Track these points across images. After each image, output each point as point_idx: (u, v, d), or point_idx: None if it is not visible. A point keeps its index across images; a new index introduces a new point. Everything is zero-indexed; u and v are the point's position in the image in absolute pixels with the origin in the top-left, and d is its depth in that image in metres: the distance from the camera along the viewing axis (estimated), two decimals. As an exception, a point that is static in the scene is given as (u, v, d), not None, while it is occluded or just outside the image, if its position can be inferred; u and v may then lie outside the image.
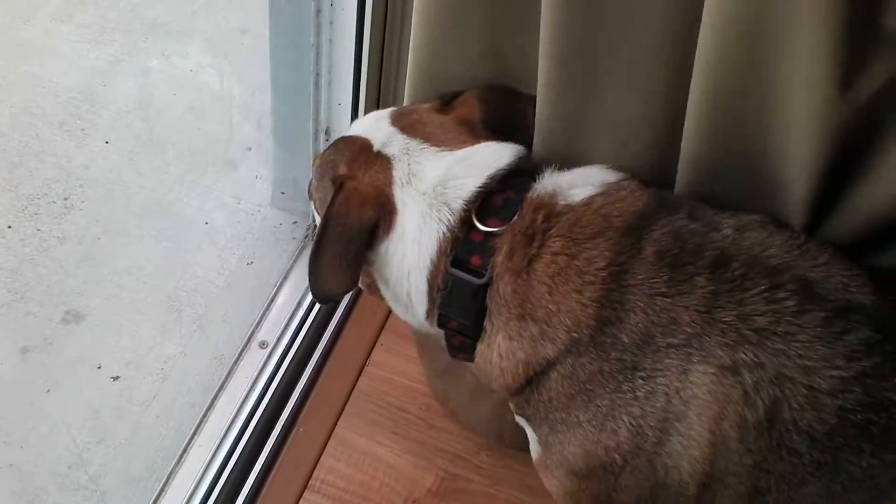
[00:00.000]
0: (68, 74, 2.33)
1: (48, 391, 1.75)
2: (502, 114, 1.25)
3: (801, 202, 1.11)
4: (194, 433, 1.67)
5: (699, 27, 1.03)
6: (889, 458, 0.98)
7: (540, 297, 1.07)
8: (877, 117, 1.03)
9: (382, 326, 1.82)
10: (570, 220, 1.08)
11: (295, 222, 2.04)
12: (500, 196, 1.13)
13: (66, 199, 2.06)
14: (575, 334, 1.05)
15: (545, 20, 1.13)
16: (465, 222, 1.12)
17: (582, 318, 1.04)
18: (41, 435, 1.70)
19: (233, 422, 1.67)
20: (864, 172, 1.09)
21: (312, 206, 1.34)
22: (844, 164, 1.08)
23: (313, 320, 1.81)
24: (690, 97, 1.10)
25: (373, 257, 1.19)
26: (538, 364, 1.08)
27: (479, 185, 1.12)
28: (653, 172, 1.21)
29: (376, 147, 1.20)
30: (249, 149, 2.22)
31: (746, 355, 0.98)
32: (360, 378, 1.76)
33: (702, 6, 1.01)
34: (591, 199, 1.11)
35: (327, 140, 1.78)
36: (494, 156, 1.16)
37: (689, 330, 1.00)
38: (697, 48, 1.04)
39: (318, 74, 1.68)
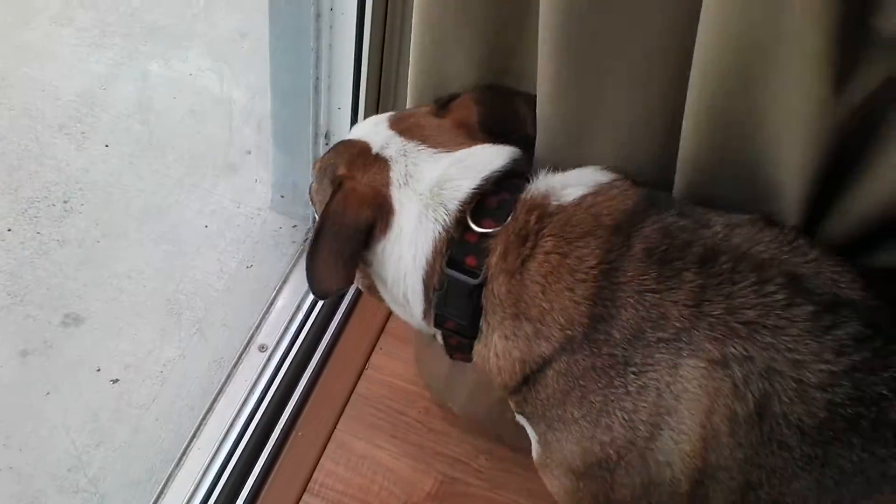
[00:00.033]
0: (68, 78, 2.33)
1: (47, 394, 1.75)
2: (499, 115, 1.27)
3: (796, 202, 1.12)
4: (193, 436, 1.67)
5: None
6: (880, 452, 0.98)
7: (533, 296, 1.09)
8: (871, 119, 1.03)
9: (381, 330, 1.83)
10: (562, 220, 1.10)
11: (294, 226, 2.04)
12: (494, 198, 1.14)
13: (65, 202, 2.06)
14: (569, 332, 1.06)
15: (544, 20, 1.13)
16: (460, 223, 1.14)
17: (575, 315, 1.06)
18: (40, 437, 1.70)
19: (232, 425, 1.67)
20: (859, 173, 1.10)
21: (313, 209, 1.35)
22: (839, 164, 1.09)
23: (313, 324, 1.81)
24: (688, 98, 1.10)
25: (370, 258, 1.21)
26: (534, 362, 1.09)
27: (473, 186, 1.14)
28: (653, 174, 1.22)
29: (375, 150, 1.22)
30: (249, 152, 2.22)
31: (736, 349, 0.99)
32: (360, 381, 1.76)
33: (700, 6, 1.01)
34: (583, 198, 1.12)
35: (327, 144, 1.79)
36: (489, 158, 1.17)
37: (677, 324, 1.01)
38: (695, 49, 1.05)
39: (317, 78, 1.69)
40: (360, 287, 1.33)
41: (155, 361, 1.81)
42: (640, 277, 1.04)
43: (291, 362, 1.76)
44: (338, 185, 1.19)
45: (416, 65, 1.38)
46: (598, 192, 1.13)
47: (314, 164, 1.34)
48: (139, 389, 1.77)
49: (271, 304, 1.86)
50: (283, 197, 2.03)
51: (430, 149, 1.20)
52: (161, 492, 1.61)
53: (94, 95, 2.29)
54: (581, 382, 1.06)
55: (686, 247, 1.05)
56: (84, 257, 1.96)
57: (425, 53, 1.35)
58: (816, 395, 0.97)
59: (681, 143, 1.16)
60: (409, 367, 1.78)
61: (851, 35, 0.94)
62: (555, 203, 1.12)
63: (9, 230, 1.99)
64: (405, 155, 1.20)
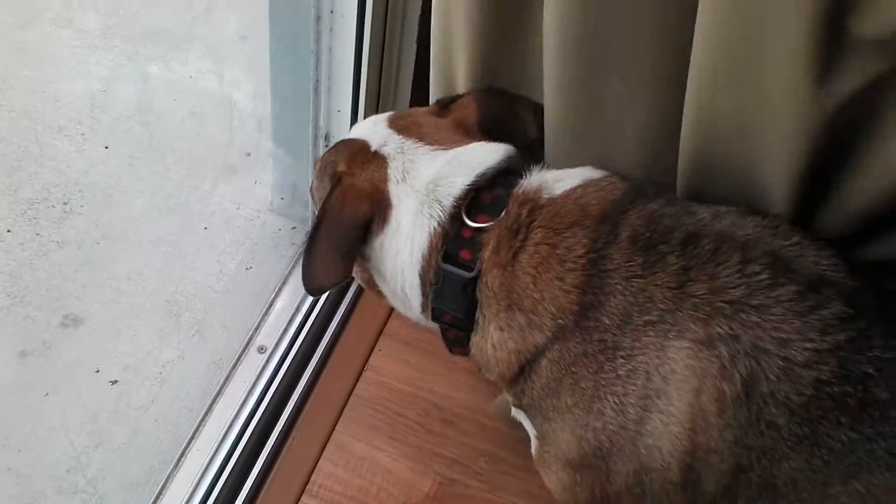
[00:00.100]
0: (68, 79, 2.34)
1: (46, 395, 1.75)
2: (498, 117, 1.29)
3: (785, 198, 1.13)
4: (192, 437, 1.66)
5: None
6: (867, 431, 0.98)
7: (525, 287, 1.11)
8: (859, 116, 1.05)
9: (381, 332, 1.83)
10: (551, 212, 1.12)
11: (294, 227, 2.04)
12: (489, 193, 1.17)
13: (65, 203, 2.06)
14: (560, 321, 1.08)
15: (548, 21, 1.16)
16: (455, 219, 1.16)
17: (565, 304, 1.08)
18: (39, 438, 1.70)
19: (231, 426, 1.67)
20: (849, 169, 1.12)
21: (313, 207, 1.36)
22: (830, 161, 1.10)
23: (312, 325, 1.81)
24: (686, 98, 1.13)
25: (368, 253, 1.23)
26: (528, 352, 1.11)
27: (468, 182, 1.17)
28: (658, 175, 1.25)
29: (374, 147, 1.24)
30: (249, 154, 2.22)
31: (721, 328, 1.00)
32: (359, 383, 1.76)
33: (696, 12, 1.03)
34: (571, 190, 1.15)
35: (326, 146, 1.79)
36: (484, 155, 1.20)
37: (662, 306, 1.03)
38: (692, 51, 1.07)
39: (317, 80, 1.69)
40: (359, 281, 1.36)
41: (154, 363, 1.81)
42: (627, 264, 1.06)
43: (290, 364, 1.76)
44: (337, 180, 1.22)
45: (434, 63, 1.44)
46: (588, 185, 1.15)
47: (316, 163, 1.36)
48: (138, 391, 1.77)
49: (270, 305, 1.86)
50: (282, 199, 2.04)
51: (427, 146, 1.22)
52: (160, 493, 1.61)
53: (94, 97, 2.30)
54: (573, 369, 1.08)
55: (670, 232, 1.07)
56: (83, 258, 1.97)
57: (438, 53, 1.41)
58: (803, 373, 0.98)
59: (680, 144, 1.18)
60: (408, 368, 1.78)
61: (834, 33, 0.95)
62: (546, 196, 1.14)
63: (8, 231, 1.99)
64: (403, 152, 1.22)
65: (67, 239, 2.00)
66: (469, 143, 1.23)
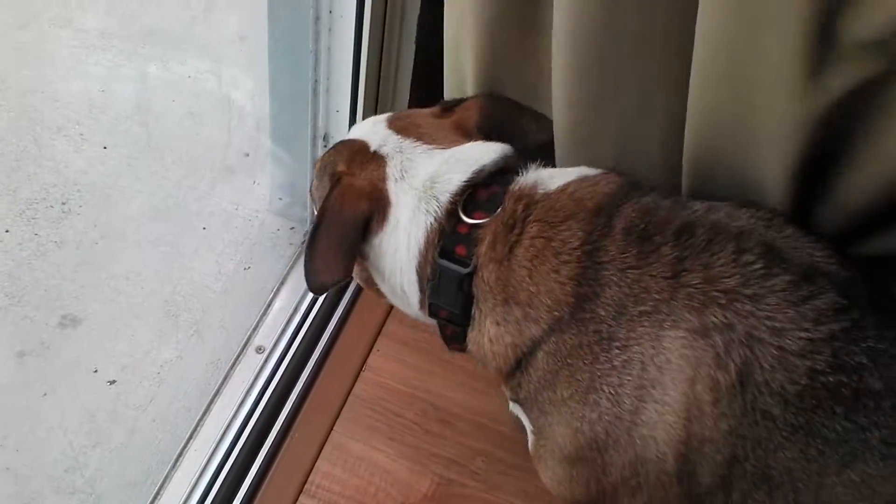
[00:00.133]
0: (67, 79, 2.34)
1: (45, 395, 1.75)
2: (500, 121, 1.30)
3: (784, 194, 1.14)
4: (190, 437, 1.66)
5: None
6: (862, 420, 0.98)
7: (521, 280, 1.11)
8: (851, 114, 1.06)
9: (379, 332, 1.83)
10: (546, 206, 1.13)
11: (292, 228, 2.04)
12: (485, 191, 1.18)
13: (63, 203, 2.06)
14: (556, 313, 1.09)
15: (558, 28, 1.18)
16: (452, 215, 1.17)
17: (561, 296, 1.09)
18: (37, 439, 1.69)
19: (229, 426, 1.66)
20: (844, 165, 1.13)
21: (313, 207, 1.37)
22: (825, 158, 1.11)
23: (310, 326, 1.81)
24: (689, 101, 1.15)
25: (367, 251, 1.24)
26: (525, 346, 1.12)
27: (464, 179, 1.18)
28: (664, 176, 1.27)
29: (373, 147, 1.25)
30: (247, 155, 2.22)
31: (716, 317, 1.01)
32: (357, 383, 1.76)
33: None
34: (566, 185, 1.16)
35: (325, 146, 1.79)
36: (481, 153, 1.21)
37: (657, 296, 1.04)
38: (693, 53, 1.09)
39: (316, 81, 1.69)
40: (358, 281, 1.37)
41: (152, 363, 1.81)
42: (621, 255, 1.07)
43: (288, 364, 1.76)
44: (336, 180, 1.23)
45: (447, 63, 1.47)
46: (583, 180, 1.16)
47: (316, 163, 1.37)
48: (136, 391, 1.77)
49: (269, 305, 1.86)
50: (281, 199, 2.04)
51: (425, 145, 1.24)
52: (157, 493, 1.60)
53: (92, 97, 2.30)
54: (569, 361, 1.09)
55: (664, 223, 1.08)
56: (82, 259, 1.97)
57: (449, 55, 1.44)
58: (797, 362, 0.99)
59: (684, 144, 1.20)
60: (406, 369, 1.78)
61: (827, 34, 0.96)
62: (541, 192, 1.15)
63: (7, 231, 1.99)
64: (401, 151, 1.23)
65: (66, 239, 2.00)
66: (467, 143, 1.24)
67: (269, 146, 1.96)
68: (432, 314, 1.22)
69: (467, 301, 1.17)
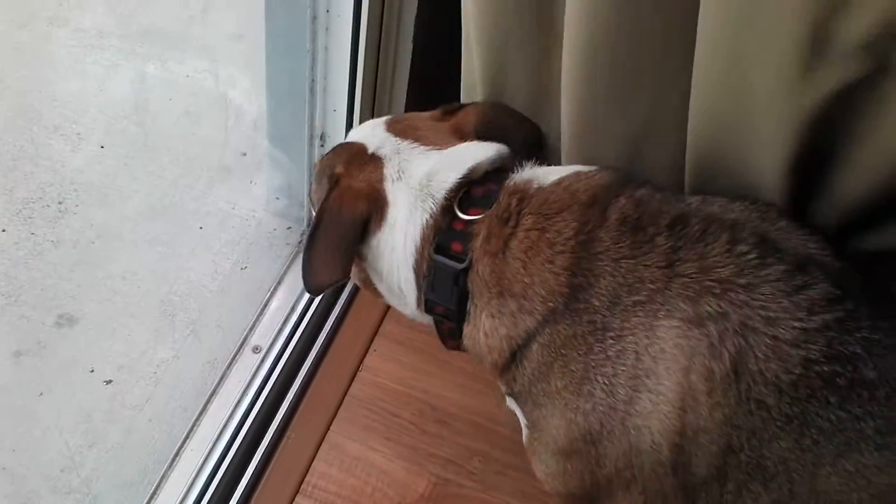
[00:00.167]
0: (64, 79, 2.34)
1: (41, 395, 1.75)
2: (498, 127, 1.30)
3: (780, 192, 1.15)
4: (186, 437, 1.66)
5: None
6: (856, 410, 0.98)
7: (516, 272, 1.12)
8: (844, 112, 1.06)
9: (376, 332, 1.83)
10: (540, 199, 1.14)
11: (289, 227, 2.04)
12: (480, 188, 1.19)
13: (60, 202, 2.06)
14: (550, 303, 1.09)
15: (569, 32, 1.20)
16: (447, 212, 1.18)
17: (555, 286, 1.09)
18: (34, 438, 1.69)
19: (225, 426, 1.66)
20: (839, 163, 1.13)
21: (312, 210, 1.38)
22: (820, 155, 1.12)
23: (307, 325, 1.81)
24: (691, 101, 1.16)
25: (365, 252, 1.25)
26: (520, 337, 1.13)
27: (459, 176, 1.19)
28: (672, 177, 1.28)
29: (371, 150, 1.26)
30: (244, 154, 2.22)
31: (710, 306, 1.01)
32: (353, 383, 1.76)
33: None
34: (561, 179, 1.17)
35: (322, 146, 1.79)
36: (477, 152, 1.22)
37: (651, 286, 1.04)
38: (695, 54, 1.10)
39: (313, 80, 1.69)
40: (356, 281, 1.37)
41: (148, 362, 1.81)
42: (616, 245, 1.07)
43: (285, 364, 1.76)
44: (335, 182, 1.24)
45: (464, 65, 1.49)
46: (577, 175, 1.17)
47: (315, 167, 1.38)
48: (132, 390, 1.77)
49: (265, 305, 1.86)
50: (277, 199, 2.04)
51: (422, 147, 1.25)
52: (154, 493, 1.60)
53: (89, 96, 2.29)
54: (563, 352, 1.09)
55: (659, 214, 1.09)
56: (78, 258, 1.96)
57: (465, 57, 1.46)
58: (791, 351, 0.99)
59: (687, 144, 1.22)
60: (402, 369, 1.78)
61: (820, 34, 0.97)
62: (535, 186, 1.16)
63: (3, 231, 1.99)
64: (398, 153, 1.24)
65: (62, 238, 1.99)
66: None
67: (266, 145, 1.95)
68: (428, 310, 1.23)
69: (462, 297, 1.17)
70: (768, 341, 0.99)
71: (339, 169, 1.26)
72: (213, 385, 1.74)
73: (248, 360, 1.77)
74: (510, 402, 1.24)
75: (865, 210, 1.14)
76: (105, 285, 1.92)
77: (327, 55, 1.65)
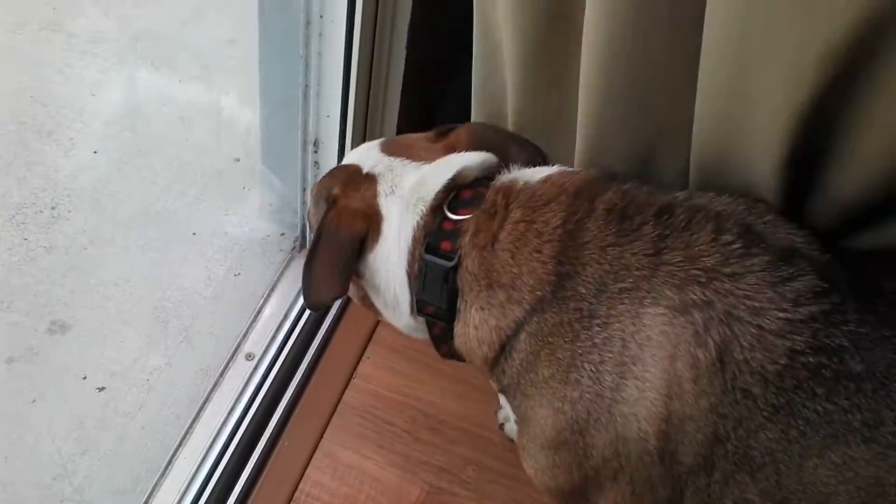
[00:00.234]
0: (57, 84, 2.33)
1: (33, 401, 1.74)
2: (491, 146, 1.32)
3: (774, 191, 1.16)
4: (179, 445, 1.66)
5: None
6: (843, 402, 0.99)
7: (504, 263, 1.13)
8: (837, 111, 1.07)
9: (369, 339, 1.83)
10: (528, 194, 1.16)
11: (282, 234, 2.03)
12: (469, 191, 1.21)
13: (53, 208, 2.05)
14: (538, 293, 1.11)
15: (587, 49, 1.23)
16: (437, 213, 1.20)
17: (542, 275, 1.10)
18: (26, 445, 1.69)
19: (218, 434, 1.66)
20: (833, 161, 1.13)
21: (310, 231, 1.40)
22: (813, 154, 1.12)
23: (300, 333, 1.81)
24: (696, 105, 1.18)
25: (363, 269, 1.27)
26: (509, 328, 1.14)
27: (448, 177, 1.21)
28: (678, 179, 1.31)
29: (366, 170, 1.29)
30: (237, 160, 2.22)
31: (695, 294, 1.02)
32: (347, 391, 1.76)
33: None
34: (547, 176, 1.19)
35: (315, 152, 1.79)
36: (465, 158, 1.25)
37: (637, 273, 1.05)
38: (700, 60, 1.13)
39: (306, 86, 1.69)
40: (354, 299, 1.40)
41: (141, 369, 1.80)
42: (603, 234, 1.09)
43: (278, 371, 1.75)
44: (332, 202, 1.27)
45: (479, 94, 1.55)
46: (563, 172, 1.20)
47: (311, 190, 1.40)
48: (125, 397, 1.76)
49: (258, 312, 1.86)
50: (271, 205, 2.03)
51: (414, 162, 1.27)
52: (146, 501, 1.60)
53: (82, 102, 2.29)
54: (550, 340, 1.10)
55: (645, 205, 1.10)
56: (71, 264, 1.96)
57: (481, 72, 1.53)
58: (776, 341, 1.00)
59: (691, 152, 1.24)
60: (396, 376, 1.78)
61: (814, 34, 0.98)
62: (523, 183, 1.18)
63: (-5, 236, 1.98)
64: (392, 170, 1.27)
65: (55, 244, 1.99)
66: None
67: (260, 151, 1.95)
68: (420, 312, 1.24)
69: (452, 295, 1.19)
70: (753, 331, 1.00)
71: (335, 190, 1.28)
72: (206, 392, 1.73)
73: (241, 368, 1.77)
74: (502, 400, 1.24)
75: (861, 208, 1.15)
76: (98, 291, 1.92)
77: (321, 60, 1.64)
